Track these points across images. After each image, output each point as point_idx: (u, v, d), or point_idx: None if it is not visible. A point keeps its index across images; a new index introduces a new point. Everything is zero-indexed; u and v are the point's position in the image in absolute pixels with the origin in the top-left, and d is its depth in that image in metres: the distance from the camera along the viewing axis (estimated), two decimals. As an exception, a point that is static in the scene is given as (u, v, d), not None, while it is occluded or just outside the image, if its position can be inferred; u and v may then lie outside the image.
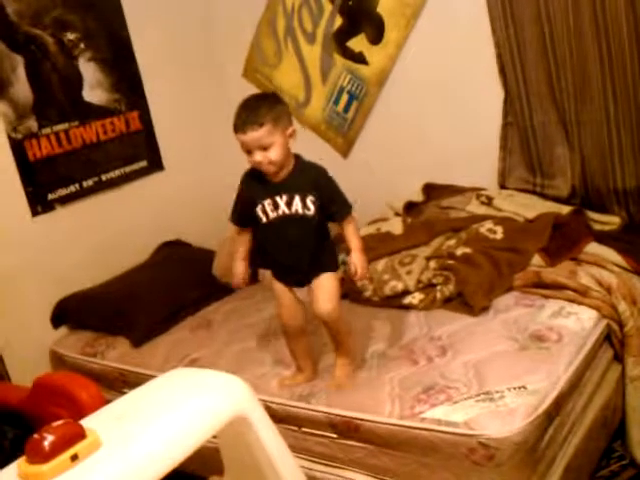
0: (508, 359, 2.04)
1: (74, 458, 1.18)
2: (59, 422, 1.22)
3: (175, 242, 3.48)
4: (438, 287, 2.52)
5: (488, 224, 2.76)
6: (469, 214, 2.93)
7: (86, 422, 1.31)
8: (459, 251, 2.64)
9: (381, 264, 2.73)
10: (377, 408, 1.94)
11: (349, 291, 2.75)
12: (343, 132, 3.48)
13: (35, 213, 2.97)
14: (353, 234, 2.05)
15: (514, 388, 1.88)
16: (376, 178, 3.40)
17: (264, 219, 2.01)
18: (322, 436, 2.05)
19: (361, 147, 3.48)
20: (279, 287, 2.13)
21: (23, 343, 2.85)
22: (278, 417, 1.99)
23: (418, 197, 3.22)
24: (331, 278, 2.07)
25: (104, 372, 2.68)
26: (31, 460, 1.18)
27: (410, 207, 3.17)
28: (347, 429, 1.98)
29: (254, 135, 1.87)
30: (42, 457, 1.17)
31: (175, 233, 3.49)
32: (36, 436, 1.19)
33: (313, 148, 3.50)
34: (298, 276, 2.10)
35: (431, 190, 3.24)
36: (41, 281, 2.97)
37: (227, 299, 3.01)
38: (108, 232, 3.23)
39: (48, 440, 1.18)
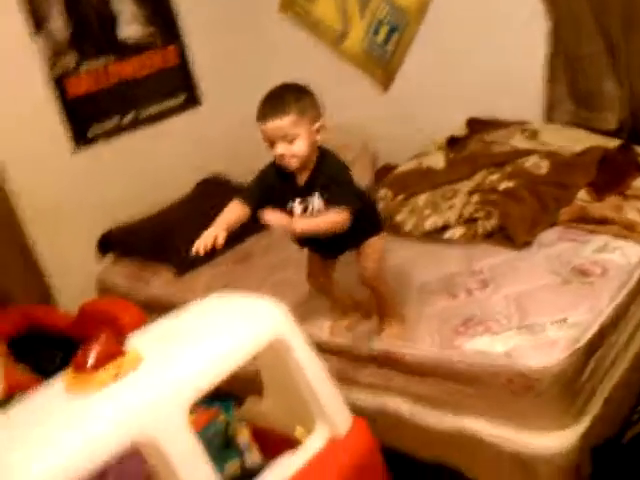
0: (550, 293, 2.01)
1: (116, 373, 1.22)
2: (103, 338, 1.25)
3: (214, 178, 3.47)
4: (480, 221, 2.48)
5: (533, 158, 2.70)
6: (513, 148, 2.86)
7: (129, 341, 1.34)
8: (502, 185, 2.58)
9: (422, 199, 2.70)
10: (418, 340, 1.95)
11: (388, 225, 2.74)
12: (384, 64, 3.40)
13: (76, 148, 3.01)
14: (325, 217, 1.77)
15: (555, 321, 1.85)
16: (418, 111, 3.33)
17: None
18: (363, 366, 2.06)
19: (402, 79, 3.40)
20: (310, 255, 2.05)
21: (71, 272, 2.93)
22: (318, 348, 2.00)
23: (461, 131, 3.16)
24: (375, 243, 1.94)
25: (148, 299, 2.74)
26: (76, 373, 1.22)
27: (453, 141, 3.11)
28: (388, 361, 1.99)
29: (277, 124, 1.72)
30: (86, 371, 1.20)
31: (214, 169, 3.49)
32: (81, 351, 1.22)
33: (353, 81, 3.49)
34: (339, 253, 1.99)
35: (475, 124, 3.16)
36: (86, 213, 3.03)
37: (266, 233, 3.02)
38: (148, 168, 3.25)
39: (92, 355, 1.21)
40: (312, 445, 1.48)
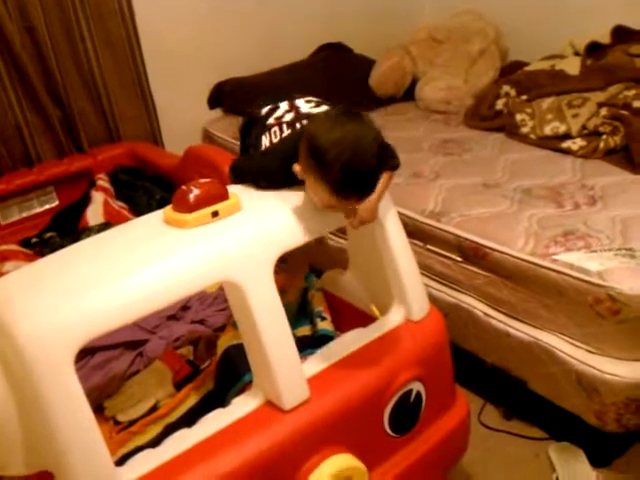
0: (661, 223, 1.90)
1: (215, 214, 1.25)
2: (207, 180, 1.28)
3: (336, 45, 3.39)
4: (603, 136, 2.35)
5: (678, 81, 2.48)
6: (659, 66, 2.64)
7: (231, 188, 1.36)
8: (636, 103, 2.41)
9: (547, 102, 2.56)
10: (510, 240, 1.89)
11: (506, 124, 2.64)
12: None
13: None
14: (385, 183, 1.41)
15: (660, 252, 1.76)
16: (560, 8, 3.09)
17: None
18: (446, 257, 2.05)
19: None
20: None
21: (179, 117, 2.97)
22: (406, 230, 1.97)
23: (604, 39, 2.91)
24: None
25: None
26: (176, 208, 1.26)
27: (593, 48, 2.89)
28: (474, 255, 1.96)
29: (360, 205, 1.32)
30: (187, 207, 1.24)
31: (338, 36, 3.39)
32: (184, 187, 1.26)
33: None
34: None
35: (621, 33, 2.90)
36: (205, 59, 3.02)
37: (378, 112, 2.98)
38: (274, 23, 3.19)
39: (194, 193, 1.24)
40: (385, 323, 1.50)
